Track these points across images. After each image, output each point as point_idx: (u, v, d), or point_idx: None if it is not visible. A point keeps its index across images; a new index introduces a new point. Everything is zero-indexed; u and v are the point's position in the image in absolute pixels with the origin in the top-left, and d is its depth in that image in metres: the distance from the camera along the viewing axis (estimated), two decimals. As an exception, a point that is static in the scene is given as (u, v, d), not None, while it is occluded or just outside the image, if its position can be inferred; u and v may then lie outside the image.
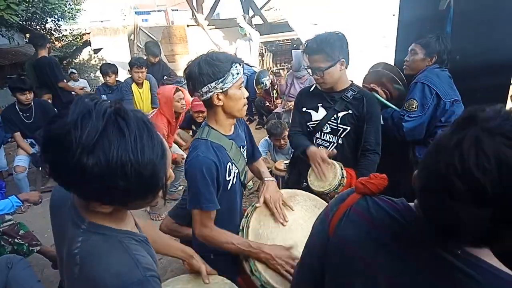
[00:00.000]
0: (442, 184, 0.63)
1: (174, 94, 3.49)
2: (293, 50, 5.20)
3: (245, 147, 1.77)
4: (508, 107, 2.16)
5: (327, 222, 0.90)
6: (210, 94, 1.47)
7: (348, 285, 0.83)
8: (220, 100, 1.49)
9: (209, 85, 1.44)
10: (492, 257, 0.69)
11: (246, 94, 1.57)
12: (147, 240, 0.93)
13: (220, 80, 1.43)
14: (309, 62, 2.08)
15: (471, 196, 0.59)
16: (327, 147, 2.19)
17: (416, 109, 2.36)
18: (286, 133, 3.62)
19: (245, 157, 1.75)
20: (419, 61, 2.47)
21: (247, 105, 1.61)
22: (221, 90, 1.46)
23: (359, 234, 0.82)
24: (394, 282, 0.75)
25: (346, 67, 2.07)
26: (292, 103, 4.73)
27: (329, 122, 2.15)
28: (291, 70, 5.10)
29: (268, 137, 4.02)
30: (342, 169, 1.97)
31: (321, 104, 2.17)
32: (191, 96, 1.57)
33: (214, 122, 1.58)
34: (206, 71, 1.42)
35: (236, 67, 1.46)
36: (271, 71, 6.78)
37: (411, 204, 0.79)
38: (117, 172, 0.70)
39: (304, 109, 2.24)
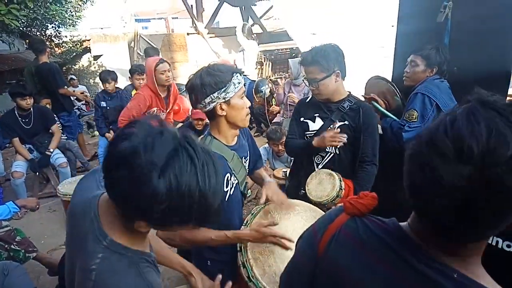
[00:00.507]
0: (429, 146, 0.62)
1: (157, 66, 3.37)
2: (289, 59, 5.25)
3: (247, 157, 1.77)
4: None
5: (316, 242, 0.87)
6: (213, 104, 1.48)
7: None
8: (223, 110, 1.50)
9: (211, 95, 1.45)
10: (487, 277, 0.68)
11: (248, 103, 1.59)
12: (155, 260, 0.95)
13: (222, 90, 1.45)
14: (305, 73, 2.12)
15: (454, 151, 0.58)
16: (324, 157, 2.20)
17: (416, 120, 2.37)
18: (285, 139, 3.64)
19: (246, 168, 1.76)
20: (420, 73, 2.49)
21: (249, 115, 1.62)
22: (223, 100, 1.47)
23: (349, 257, 0.80)
24: None
25: (343, 79, 2.09)
26: (294, 96, 4.77)
27: None
28: (288, 79, 5.13)
29: (267, 143, 4.04)
30: (340, 180, 1.99)
31: (318, 114, 2.19)
32: (194, 109, 1.58)
33: (217, 132, 1.59)
34: (208, 81, 1.44)
35: (237, 76, 1.48)
36: (270, 79, 6.82)
37: (402, 224, 0.77)
38: (184, 198, 0.72)
39: (302, 119, 2.26)
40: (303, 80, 4.59)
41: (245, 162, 1.73)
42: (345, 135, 2.02)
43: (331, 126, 2.13)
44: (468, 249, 0.67)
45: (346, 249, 0.81)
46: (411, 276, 0.69)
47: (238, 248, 1.59)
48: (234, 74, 1.48)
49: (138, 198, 0.72)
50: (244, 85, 1.63)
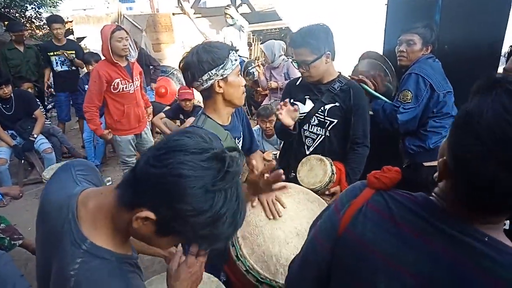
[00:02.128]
0: (484, 146, 0.61)
1: (113, 32, 3.19)
2: (261, 45, 5.20)
3: (241, 138, 1.75)
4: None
5: (337, 219, 0.85)
6: (211, 81, 1.46)
7: (368, 286, 0.79)
8: (220, 87, 1.48)
9: (209, 72, 1.43)
10: (504, 237, 0.69)
11: (244, 81, 1.57)
12: (137, 261, 0.89)
13: (220, 66, 1.43)
14: (294, 56, 2.06)
15: None
16: (315, 140, 2.17)
17: (410, 101, 2.33)
18: (274, 118, 3.61)
19: (240, 148, 1.73)
20: (417, 51, 2.42)
21: (245, 93, 1.60)
22: (221, 77, 1.45)
23: (379, 232, 0.78)
24: (422, 277, 0.72)
25: (333, 59, 2.04)
26: (272, 83, 4.73)
27: (316, 115, 2.13)
28: (266, 64, 5.07)
29: (257, 124, 4.01)
30: (331, 165, 1.97)
31: (308, 96, 2.15)
32: (189, 88, 1.54)
33: (212, 110, 1.57)
34: (206, 58, 1.41)
35: (233, 53, 1.47)
36: (259, 61, 6.72)
37: (431, 197, 0.77)
38: (215, 218, 0.72)
39: (292, 100, 2.21)
40: (292, 62, 4.53)
41: (238, 143, 1.71)
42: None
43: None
44: (498, 218, 0.70)
45: (375, 224, 0.80)
46: (445, 241, 0.70)
47: None
48: (231, 51, 1.46)
49: (183, 192, 0.69)
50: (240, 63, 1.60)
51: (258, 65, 5.18)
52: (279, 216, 1.61)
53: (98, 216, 0.81)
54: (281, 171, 1.29)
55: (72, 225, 0.80)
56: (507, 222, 1.21)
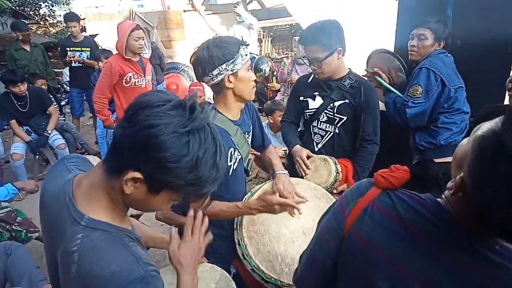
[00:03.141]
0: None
1: (132, 31, 3.26)
2: (295, 37, 5.12)
3: (250, 133, 1.76)
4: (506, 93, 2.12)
5: (343, 218, 0.84)
6: (221, 76, 1.47)
7: (370, 286, 0.78)
8: (231, 82, 1.50)
9: (219, 67, 1.44)
10: None
11: (254, 77, 1.58)
12: (139, 238, 0.92)
13: (230, 61, 1.44)
14: (305, 53, 2.05)
15: None
16: (323, 136, 2.17)
17: (420, 95, 2.30)
18: (280, 113, 3.63)
19: (249, 143, 1.74)
20: (428, 47, 2.39)
21: (255, 88, 1.61)
22: (231, 72, 1.47)
23: (385, 233, 0.77)
24: (428, 282, 0.71)
25: (344, 55, 2.03)
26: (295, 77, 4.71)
27: (325, 111, 2.12)
28: (293, 57, 5.03)
29: (266, 119, 4.02)
30: (336, 164, 1.96)
31: (317, 93, 2.15)
32: (200, 82, 1.56)
33: (223, 105, 1.58)
34: (216, 53, 1.43)
35: (244, 48, 1.48)
36: (269, 57, 6.72)
37: (439, 199, 0.76)
38: (196, 163, 0.75)
39: (301, 98, 2.21)
40: (302, 60, 4.52)
41: (247, 138, 1.72)
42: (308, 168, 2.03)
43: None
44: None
45: (381, 225, 0.78)
46: (456, 251, 0.69)
47: (235, 226, 1.60)
48: (241, 46, 1.47)
49: (157, 141, 0.72)
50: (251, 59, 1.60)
51: (287, 57, 5.13)
52: (300, 213, 1.60)
53: (92, 192, 0.84)
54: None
55: (70, 207, 0.83)
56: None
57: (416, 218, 0.75)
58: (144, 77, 3.54)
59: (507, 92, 2.06)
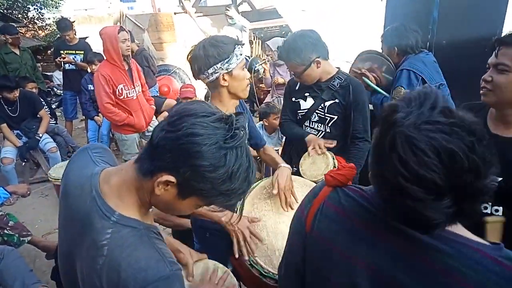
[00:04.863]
0: (398, 193, 0.64)
1: (118, 33, 3.24)
2: (268, 42, 5.20)
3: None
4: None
5: (303, 219, 0.90)
6: (216, 75, 1.51)
7: (326, 279, 0.83)
8: (225, 80, 1.53)
9: (215, 66, 1.48)
10: (460, 227, 0.71)
11: (248, 75, 1.62)
12: (159, 231, 0.94)
13: (225, 60, 1.48)
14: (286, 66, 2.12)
15: (427, 194, 0.61)
16: (316, 135, 2.21)
17: None
18: (274, 116, 3.65)
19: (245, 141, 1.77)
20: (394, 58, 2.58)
21: (249, 86, 1.66)
22: (226, 71, 1.51)
23: (333, 227, 0.83)
24: (374, 269, 0.75)
25: (327, 59, 2.07)
26: (279, 79, 4.75)
27: (316, 111, 2.17)
28: (271, 61, 5.09)
29: (260, 121, 4.05)
30: (333, 158, 1.99)
31: (308, 94, 2.19)
32: (196, 80, 1.60)
33: (218, 102, 1.62)
34: (212, 52, 1.47)
35: (239, 48, 1.52)
36: (261, 58, 6.75)
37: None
38: (231, 174, 0.78)
39: (293, 99, 2.27)
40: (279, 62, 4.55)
41: None
42: (333, 142, 2.07)
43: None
44: None
45: (330, 219, 0.84)
46: (392, 236, 0.74)
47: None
48: (236, 45, 1.51)
49: (198, 149, 0.75)
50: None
51: (265, 62, 5.19)
52: (292, 209, 1.65)
53: (122, 190, 0.86)
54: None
55: (98, 201, 0.85)
56: (500, 208, 1.23)
57: (357, 209, 0.81)
58: (134, 88, 3.51)
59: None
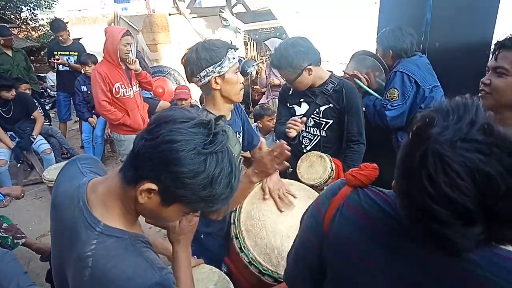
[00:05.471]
0: (424, 214, 0.59)
1: (123, 36, 3.26)
2: (265, 42, 5.19)
3: (241, 133, 1.81)
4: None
5: (321, 217, 0.87)
6: (208, 78, 1.52)
7: (349, 281, 0.81)
8: (217, 84, 1.54)
9: (207, 69, 1.49)
10: None
11: (242, 79, 1.63)
12: (148, 240, 0.94)
13: (217, 64, 1.49)
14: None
15: (456, 218, 0.56)
16: (312, 140, 2.24)
17: (397, 98, 2.43)
18: (268, 118, 3.66)
19: (240, 143, 1.79)
20: (388, 61, 2.61)
21: (243, 90, 1.66)
22: (218, 74, 1.51)
23: (353, 230, 0.80)
24: (393, 276, 0.73)
25: (319, 64, 2.09)
26: (274, 80, 4.76)
27: (312, 116, 2.19)
28: (268, 61, 5.10)
29: (255, 123, 4.06)
30: (331, 161, 2.01)
31: (303, 99, 2.22)
32: (189, 82, 1.61)
33: (212, 105, 1.63)
34: (204, 56, 1.48)
35: (232, 52, 1.52)
36: (255, 59, 6.77)
37: None
38: (211, 179, 0.77)
39: (288, 104, 2.29)
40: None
41: (238, 137, 1.76)
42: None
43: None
44: None
45: (350, 221, 0.81)
46: (416, 245, 0.71)
47: (232, 221, 1.64)
48: (229, 49, 1.52)
49: (176, 156, 0.74)
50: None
51: (262, 62, 5.19)
52: (293, 205, 1.68)
53: (107, 199, 0.86)
54: (284, 142, 1.35)
55: (84, 212, 0.85)
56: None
57: (379, 214, 0.78)
58: (131, 87, 3.52)
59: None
